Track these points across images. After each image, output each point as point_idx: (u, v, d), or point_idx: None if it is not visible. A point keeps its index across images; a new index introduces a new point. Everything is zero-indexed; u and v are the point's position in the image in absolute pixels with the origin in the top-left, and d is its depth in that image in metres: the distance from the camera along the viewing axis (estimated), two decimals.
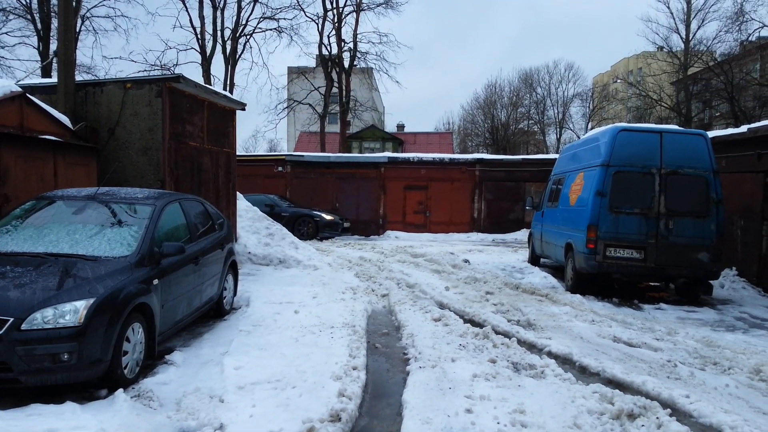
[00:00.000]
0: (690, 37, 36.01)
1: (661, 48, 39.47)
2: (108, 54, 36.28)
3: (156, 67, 29.54)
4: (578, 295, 9.67)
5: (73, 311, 4.38)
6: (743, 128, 11.57)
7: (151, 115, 9.49)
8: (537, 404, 4.60)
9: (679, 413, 4.57)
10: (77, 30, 25.04)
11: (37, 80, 12.67)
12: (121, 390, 4.48)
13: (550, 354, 6.22)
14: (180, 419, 4.25)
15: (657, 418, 4.30)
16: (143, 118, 9.51)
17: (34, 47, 26.93)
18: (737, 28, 28.57)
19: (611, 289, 10.42)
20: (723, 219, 9.54)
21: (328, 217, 20.12)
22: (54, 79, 10.21)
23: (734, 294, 10.51)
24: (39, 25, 26.26)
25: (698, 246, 9.40)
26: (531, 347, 6.51)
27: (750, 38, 29.18)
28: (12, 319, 4.22)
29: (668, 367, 5.84)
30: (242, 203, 13.56)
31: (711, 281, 9.72)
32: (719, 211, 9.44)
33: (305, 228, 19.51)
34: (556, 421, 4.30)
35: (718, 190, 9.46)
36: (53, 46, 24.94)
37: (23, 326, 4.22)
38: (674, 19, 36.40)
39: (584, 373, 5.68)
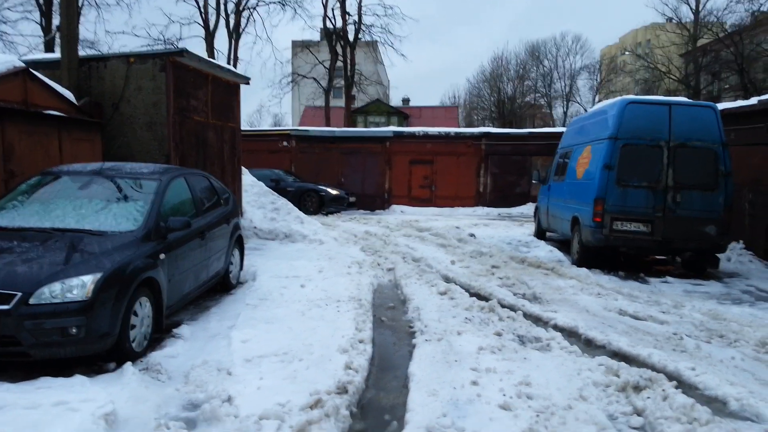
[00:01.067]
0: (700, 8, 35.32)
1: (670, 19, 38.75)
2: (111, 29, 36.18)
3: (159, 42, 29.35)
4: (584, 269, 9.65)
5: (80, 285, 4.40)
6: (753, 100, 11.43)
7: (155, 90, 9.43)
8: (543, 376, 4.62)
9: (684, 385, 4.58)
10: (80, 4, 24.79)
11: (40, 55, 12.60)
12: (129, 363, 4.52)
13: (555, 327, 6.24)
14: (188, 391, 4.29)
15: (663, 390, 4.31)
16: (147, 92, 9.45)
17: (37, 22, 26.73)
18: None
19: (617, 262, 10.40)
20: (731, 192, 9.46)
21: (333, 192, 20.12)
22: (57, 54, 10.13)
23: (741, 267, 10.47)
24: (41, 0, 26.01)
25: (706, 219, 9.34)
26: (537, 320, 6.53)
27: (761, 8, 28.62)
28: (20, 294, 4.24)
29: (674, 339, 5.84)
30: (247, 178, 13.55)
31: (718, 254, 9.69)
32: (728, 184, 9.36)
33: (310, 203, 19.51)
34: (561, 393, 4.31)
35: (727, 162, 9.37)
36: (56, 20, 24.72)
37: (31, 300, 4.24)
38: None
39: (590, 346, 5.69)
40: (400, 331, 6.25)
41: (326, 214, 19.39)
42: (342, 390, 4.23)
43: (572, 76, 56.26)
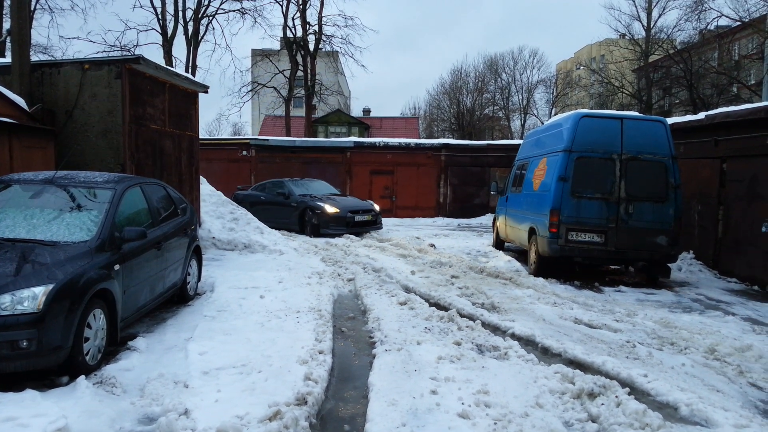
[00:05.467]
0: (651, 25, 36.69)
1: (623, 35, 40.11)
2: (65, 34, 35.22)
3: (115, 48, 28.81)
4: (541, 279, 9.83)
5: (31, 297, 4.28)
6: (701, 115, 11.85)
7: (110, 97, 9.25)
8: (500, 385, 4.69)
9: (637, 392, 4.71)
10: (32, 8, 24.16)
11: None
12: (83, 377, 4.41)
13: (513, 336, 6.33)
14: (144, 405, 4.21)
15: (616, 396, 4.43)
16: (102, 100, 9.26)
17: None
18: (696, 16, 29.17)
19: (573, 272, 10.62)
20: (681, 204, 9.77)
21: (331, 210, 15.92)
22: (8, 59, 9.87)
23: (691, 276, 10.82)
24: None
25: (657, 230, 9.63)
26: (495, 329, 6.61)
27: (708, 27, 29.82)
28: None
29: (627, 347, 5.99)
30: (206, 188, 13.37)
31: (669, 264, 9.98)
32: (677, 196, 9.67)
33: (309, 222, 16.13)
34: (518, 400, 4.39)
35: (676, 175, 9.69)
36: (6, 24, 24.03)
37: None
38: (636, 6, 37.14)
39: (546, 354, 5.80)
40: (360, 342, 6.25)
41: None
42: (301, 401, 4.21)
43: (529, 90, 57.60)
